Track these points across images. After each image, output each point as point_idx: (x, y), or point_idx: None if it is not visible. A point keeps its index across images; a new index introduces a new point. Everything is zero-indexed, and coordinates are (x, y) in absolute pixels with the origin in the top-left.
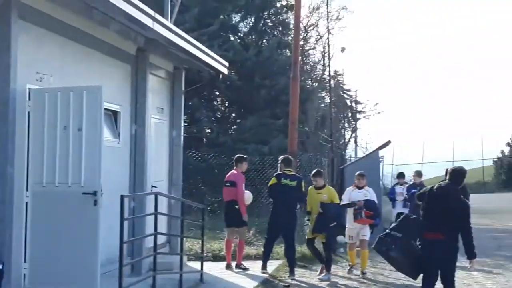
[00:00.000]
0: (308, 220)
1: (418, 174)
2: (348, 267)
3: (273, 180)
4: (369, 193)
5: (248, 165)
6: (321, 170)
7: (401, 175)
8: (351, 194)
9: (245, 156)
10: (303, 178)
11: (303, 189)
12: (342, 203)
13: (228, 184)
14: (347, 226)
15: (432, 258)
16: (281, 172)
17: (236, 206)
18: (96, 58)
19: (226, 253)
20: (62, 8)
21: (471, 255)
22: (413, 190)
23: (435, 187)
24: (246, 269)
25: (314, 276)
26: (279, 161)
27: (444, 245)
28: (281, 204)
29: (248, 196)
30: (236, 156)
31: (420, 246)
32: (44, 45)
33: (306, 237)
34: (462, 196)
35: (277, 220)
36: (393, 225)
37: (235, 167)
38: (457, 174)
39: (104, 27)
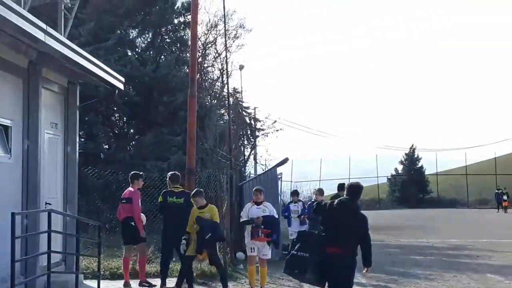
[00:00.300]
0: (185, 239)
1: (320, 192)
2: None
3: (160, 199)
4: (267, 209)
5: (146, 182)
6: (201, 190)
7: (295, 193)
8: (250, 210)
9: (140, 173)
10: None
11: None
12: (241, 220)
13: (124, 201)
14: (246, 241)
15: (332, 271)
16: (168, 190)
17: (133, 223)
18: None
19: (124, 271)
20: None
21: (368, 263)
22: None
23: (335, 203)
24: (150, 285)
25: None
26: (167, 178)
27: (343, 258)
28: (169, 221)
29: (143, 216)
30: (132, 173)
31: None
32: None
33: (186, 254)
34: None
35: (168, 238)
36: (296, 246)
37: (131, 184)
38: (355, 189)
39: None
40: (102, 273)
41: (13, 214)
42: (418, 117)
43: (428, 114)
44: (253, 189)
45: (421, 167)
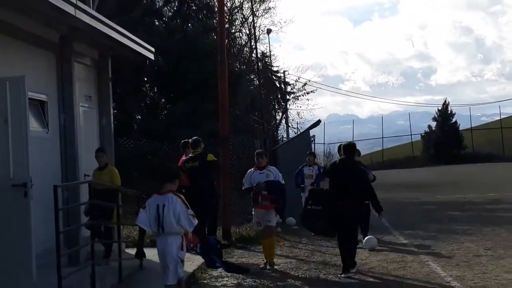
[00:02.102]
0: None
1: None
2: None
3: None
4: (271, 173)
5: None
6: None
7: (311, 154)
8: (252, 176)
9: (189, 140)
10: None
11: (212, 159)
12: (243, 187)
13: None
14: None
15: (344, 220)
16: (186, 158)
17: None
18: (19, 48)
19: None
20: None
21: (378, 209)
22: None
23: (337, 162)
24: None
25: (253, 257)
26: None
27: (352, 209)
28: (193, 189)
29: None
30: (182, 141)
31: (332, 211)
32: None
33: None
34: (361, 166)
35: (196, 207)
36: (309, 201)
37: (184, 153)
38: (348, 148)
39: (25, 16)
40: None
41: (55, 187)
42: (451, 72)
43: (460, 69)
44: (255, 152)
45: (455, 122)
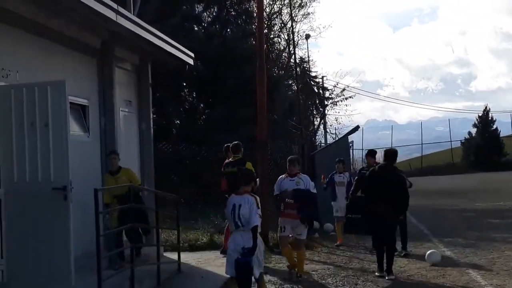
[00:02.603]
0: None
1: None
2: (288, 269)
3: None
4: (302, 181)
5: (218, 155)
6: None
7: (340, 161)
8: (282, 183)
9: (230, 144)
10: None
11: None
12: (274, 193)
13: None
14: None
15: (383, 226)
16: (227, 161)
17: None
18: (61, 52)
19: (224, 240)
20: (24, 3)
21: (403, 211)
22: None
23: (376, 168)
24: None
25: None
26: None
27: (391, 214)
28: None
29: None
30: (225, 146)
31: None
32: (8, 41)
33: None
34: (399, 173)
35: None
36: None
37: (227, 157)
38: (390, 154)
39: (67, 21)
40: (181, 245)
41: (95, 190)
42: (491, 78)
43: (502, 74)
44: (287, 159)
45: (496, 129)
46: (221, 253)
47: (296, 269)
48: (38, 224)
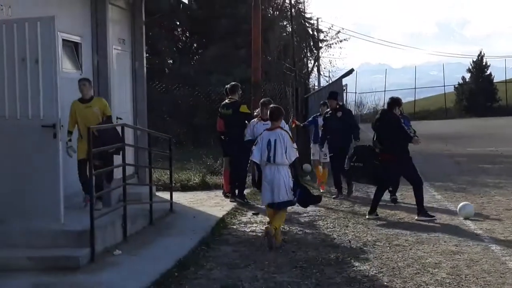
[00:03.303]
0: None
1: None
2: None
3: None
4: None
5: (212, 96)
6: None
7: (325, 104)
8: (255, 127)
9: (227, 86)
10: (241, 102)
11: (245, 111)
12: (245, 138)
13: None
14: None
15: (391, 172)
16: (224, 102)
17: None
18: None
19: (224, 182)
20: None
21: (410, 139)
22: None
23: (378, 114)
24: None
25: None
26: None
27: (397, 160)
28: (226, 134)
29: None
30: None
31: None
32: None
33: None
34: (397, 117)
35: (226, 151)
36: (353, 158)
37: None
38: (390, 101)
39: None
40: (173, 185)
41: (88, 128)
42: (486, 23)
43: (496, 19)
44: (260, 102)
45: (490, 74)
46: (223, 194)
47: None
48: (29, 162)
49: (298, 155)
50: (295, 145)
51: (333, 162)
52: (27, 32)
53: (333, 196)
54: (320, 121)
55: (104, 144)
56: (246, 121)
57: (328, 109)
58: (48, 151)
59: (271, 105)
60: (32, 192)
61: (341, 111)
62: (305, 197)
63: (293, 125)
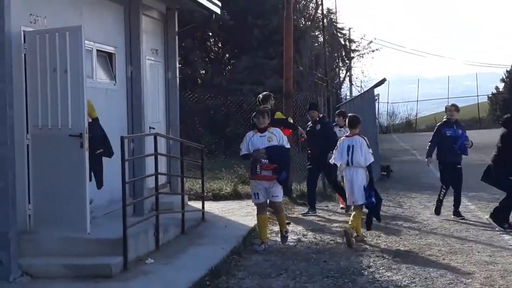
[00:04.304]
0: None
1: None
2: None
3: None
4: (274, 136)
5: (244, 106)
6: None
7: (341, 114)
8: (251, 140)
9: (260, 95)
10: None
11: (281, 117)
12: (241, 152)
13: None
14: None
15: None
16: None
17: None
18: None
19: None
20: None
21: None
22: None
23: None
24: None
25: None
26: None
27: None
28: None
29: None
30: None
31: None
32: None
33: None
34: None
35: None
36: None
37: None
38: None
39: None
40: (205, 194)
41: (122, 138)
42: None
43: None
44: (256, 111)
45: None
46: None
47: (267, 240)
48: (59, 172)
49: (373, 159)
50: (371, 150)
51: (310, 175)
52: (57, 42)
53: (302, 213)
54: (338, 132)
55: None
56: (282, 127)
57: (309, 122)
58: (75, 160)
59: (350, 114)
60: (61, 201)
61: (320, 124)
62: (378, 203)
63: (302, 140)
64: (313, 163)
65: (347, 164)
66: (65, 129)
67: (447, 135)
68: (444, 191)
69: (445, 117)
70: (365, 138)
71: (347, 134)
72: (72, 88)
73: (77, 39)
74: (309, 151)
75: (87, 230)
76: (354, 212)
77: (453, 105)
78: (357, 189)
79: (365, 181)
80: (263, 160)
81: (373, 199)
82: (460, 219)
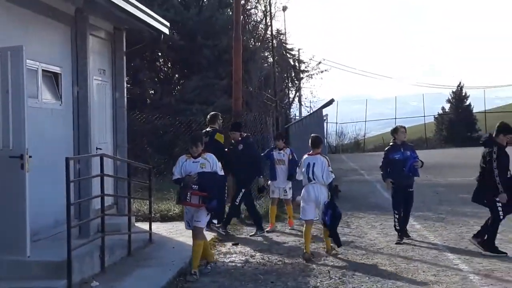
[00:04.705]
0: None
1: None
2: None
3: None
4: (208, 162)
5: (192, 126)
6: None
7: (279, 137)
8: (184, 164)
9: (208, 116)
10: (219, 131)
11: (218, 140)
12: (173, 177)
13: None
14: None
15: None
16: (203, 130)
17: None
18: (34, 19)
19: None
20: None
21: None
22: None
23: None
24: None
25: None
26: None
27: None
28: None
29: None
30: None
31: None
32: None
33: None
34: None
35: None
36: None
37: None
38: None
39: None
40: (153, 215)
41: (67, 159)
42: (465, 55)
43: (475, 51)
44: (190, 137)
45: (469, 105)
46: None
47: (213, 260)
48: (0, 193)
49: (333, 177)
50: (330, 168)
51: (243, 196)
52: (0, 61)
53: (250, 234)
54: (276, 155)
55: None
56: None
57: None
58: (15, 182)
59: (312, 135)
60: (3, 224)
61: (242, 144)
62: (336, 220)
63: None
64: (238, 185)
65: (309, 181)
66: (6, 150)
67: (396, 158)
68: (397, 216)
69: (391, 140)
70: (327, 157)
71: (310, 153)
72: (13, 109)
73: (18, 59)
74: (233, 173)
75: (27, 254)
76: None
77: (398, 128)
78: (321, 205)
79: (326, 198)
80: (193, 186)
81: (327, 218)
82: (407, 238)
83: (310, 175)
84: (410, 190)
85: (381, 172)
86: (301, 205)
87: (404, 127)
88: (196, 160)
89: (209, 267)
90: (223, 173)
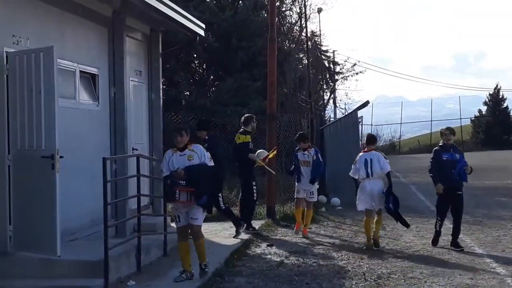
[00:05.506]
0: None
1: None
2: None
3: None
4: (196, 154)
5: (227, 128)
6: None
7: (301, 138)
8: (171, 159)
9: (245, 116)
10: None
11: (241, 142)
12: (162, 174)
13: None
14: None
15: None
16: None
17: None
18: (73, 21)
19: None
20: None
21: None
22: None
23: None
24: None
25: (296, 235)
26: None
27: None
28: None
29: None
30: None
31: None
32: (20, 8)
33: None
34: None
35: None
36: None
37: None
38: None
39: None
40: None
41: (104, 159)
42: (503, 57)
43: None
44: (172, 129)
45: (506, 107)
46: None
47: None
48: (33, 193)
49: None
50: (388, 160)
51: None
52: (33, 62)
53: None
54: (301, 156)
55: None
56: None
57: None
58: (47, 182)
59: (368, 133)
60: (35, 223)
61: (207, 143)
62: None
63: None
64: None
65: (367, 176)
66: (39, 150)
67: (444, 159)
68: (440, 222)
69: (441, 141)
70: (382, 152)
71: (365, 150)
72: (46, 109)
73: (49, 59)
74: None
75: (58, 253)
76: (366, 218)
77: (448, 129)
78: (376, 197)
79: (384, 188)
80: (181, 182)
81: (391, 205)
82: (459, 250)
83: (369, 170)
84: (459, 193)
85: (431, 175)
86: (357, 198)
87: (451, 129)
88: (183, 153)
89: (183, 276)
90: (212, 164)
